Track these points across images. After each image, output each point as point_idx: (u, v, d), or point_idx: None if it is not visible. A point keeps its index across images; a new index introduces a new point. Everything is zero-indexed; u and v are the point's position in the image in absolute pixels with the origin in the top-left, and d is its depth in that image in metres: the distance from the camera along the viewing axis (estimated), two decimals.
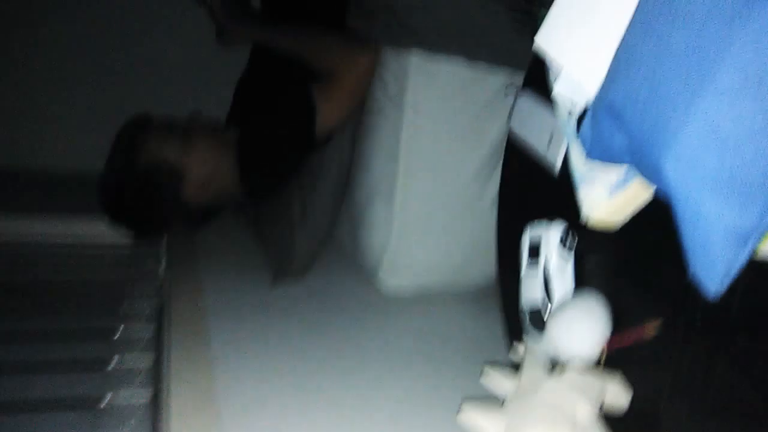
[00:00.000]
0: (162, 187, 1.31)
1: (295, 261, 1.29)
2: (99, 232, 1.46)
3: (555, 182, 0.82)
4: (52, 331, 1.11)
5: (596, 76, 0.54)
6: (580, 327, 0.70)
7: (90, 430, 0.91)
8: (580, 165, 0.68)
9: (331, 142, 1.29)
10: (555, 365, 0.72)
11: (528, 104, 0.86)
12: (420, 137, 1.16)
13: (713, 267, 0.45)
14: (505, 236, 1.00)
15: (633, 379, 0.69)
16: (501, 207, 1.03)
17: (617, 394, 0.68)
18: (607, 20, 0.55)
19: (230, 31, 1.46)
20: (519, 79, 1.01)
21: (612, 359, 0.71)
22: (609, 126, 0.51)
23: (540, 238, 0.82)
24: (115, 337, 1.07)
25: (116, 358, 1.01)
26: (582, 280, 0.80)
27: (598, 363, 0.71)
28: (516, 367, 0.75)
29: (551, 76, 0.73)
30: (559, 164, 0.81)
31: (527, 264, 0.84)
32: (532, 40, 0.63)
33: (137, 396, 0.95)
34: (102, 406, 0.94)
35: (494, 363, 0.94)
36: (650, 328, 0.65)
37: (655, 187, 0.50)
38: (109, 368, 0.99)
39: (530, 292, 0.83)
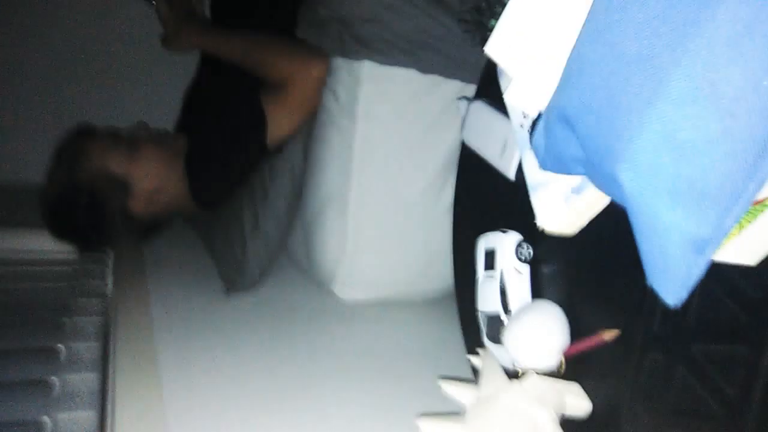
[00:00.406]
0: (107, 199, 1.29)
1: (247, 273, 1.27)
2: (41, 246, 1.41)
3: (509, 191, 0.82)
4: None
5: (548, 85, 0.54)
6: (539, 336, 0.70)
7: None
8: (534, 173, 0.68)
9: (282, 152, 1.27)
10: (515, 373, 0.72)
11: (481, 113, 0.86)
12: (373, 147, 1.15)
13: (671, 277, 0.44)
14: (461, 245, 1.00)
15: (592, 386, 0.69)
16: (456, 216, 1.02)
17: (577, 402, 0.68)
18: (559, 28, 0.55)
19: (178, 35, 1.42)
20: (472, 88, 1.01)
21: (571, 366, 0.71)
22: (562, 136, 0.51)
23: (495, 248, 0.82)
24: (58, 358, 1.02)
25: (59, 379, 0.96)
26: (539, 288, 0.80)
27: (557, 371, 0.71)
28: (475, 374, 0.75)
29: (503, 86, 0.73)
30: (513, 173, 0.81)
31: (483, 276, 0.83)
32: (483, 51, 0.63)
33: (82, 420, 0.91)
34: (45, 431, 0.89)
35: (453, 371, 0.94)
36: (609, 335, 0.65)
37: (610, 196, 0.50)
38: (52, 391, 0.95)
39: (487, 303, 0.82)
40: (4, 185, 1.67)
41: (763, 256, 0.54)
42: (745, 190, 0.42)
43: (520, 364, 0.71)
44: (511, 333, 0.72)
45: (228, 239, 1.33)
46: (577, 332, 0.70)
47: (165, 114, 1.56)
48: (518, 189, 0.77)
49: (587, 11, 0.50)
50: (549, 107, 0.53)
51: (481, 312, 0.84)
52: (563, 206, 0.64)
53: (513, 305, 0.79)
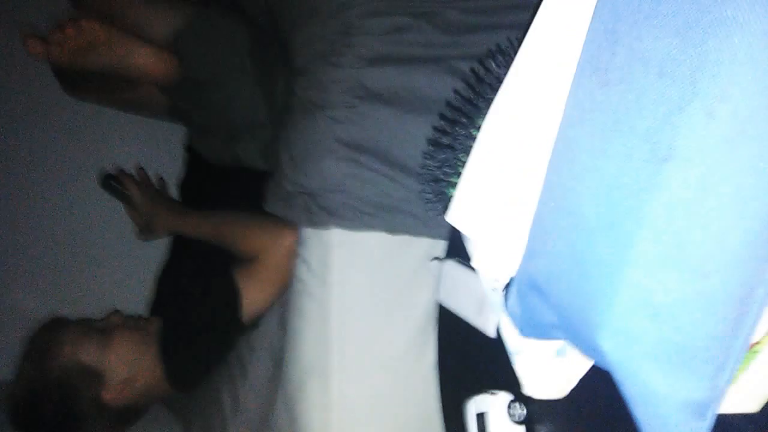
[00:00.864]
0: (80, 392, 1.24)
1: None
2: None
3: (494, 347, 0.79)
4: None
5: (514, 252, 0.53)
6: None
7: None
8: (513, 338, 0.66)
9: (258, 326, 1.25)
10: None
11: (454, 273, 0.85)
12: (349, 313, 1.13)
13: None
14: (450, 409, 0.96)
15: None
16: (441, 378, 0.99)
17: None
18: (518, 194, 0.55)
19: (152, 225, 1.46)
20: (443, 244, 1.02)
21: None
22: (536, 303, 0.50)
23: (485, 412, 0.78)
24: None
25: None
26: None
27: None
28: None
29: (469, 249, 0.73)
30: (492, 331, 0.79)
31: None
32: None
33: None
34: None
35: None
36: None
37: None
38: None
39: None
40: None
41: (763, 401, 0.52)
42: (733, 347, 0.40)
43: None
44: None
45: (208, 423, 1.27)
46: None
47: (138, 299, 1.54)
48: (502, 345, 0.75)
49: (543, 178, 0.50)
50: (519, 274, 0.52)
51: None
52: (548, 371, 0.62)
53: None
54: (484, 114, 0.59)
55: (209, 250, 1.32)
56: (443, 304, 0.89)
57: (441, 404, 0.98)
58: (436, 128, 0.73)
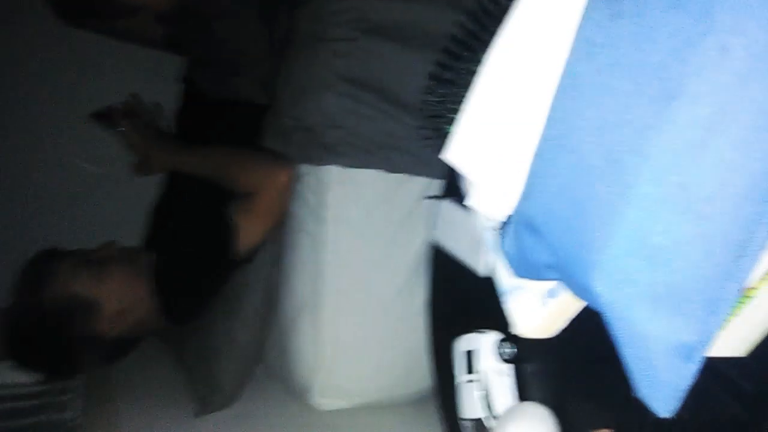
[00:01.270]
0: (74, 322, 1.24)
1: (221, 389, 1.22)
2: (3, 374, 1.34)
3: (485, 287, 0.79)
4: None
5: (512, 191, 0.52)
6: None
7: None
8: (505, 278, 0.66)
9: (253, 261, 1.25)
10: None
11: (450, 212, 0.85)
12: (344, 251, 1.14)
13: (660, 387, 0.42)
14: (439, 347, 0.97)
15: None
16: (431, 316, 1.00)
17: None
18: (518, 133, 0.54)
19: (148, 160, 1.44)
20: (440, 183, 1.01)
21: None
22: (531, 243, 0.49)
23: (473, 349, 0.78)
24: None
25: None
26: (525, 389, 0.77)
27: None
28: None
29: (463, 188, 0.72)
30: (485, 271, 0.79)
31: (464, 380, 0.80)
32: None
33: None
34: None
35: None
36: None
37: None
38: None
39: (470, 410, 0.78)
40: None
41: (752, 346, 0.52)
42: (727, 291, 0.40)
43: None
44: None
45: (201, 355, 1.28)
46: None
47: (133, 231, 1.54)
48: (493, 286, 0.75)
49: (546, 116, 0.49)
50: (516, 214, 0.51)
51: (465, 420, 0.79)
52: (539, 311, 0.62)
53: (498, 409, 0.75)
54: (488, 48, 0.57)
55: (205, 183, 1.31)
56: (438, 243, 0.88)
57: (430, 342, 0.99)
58: (438, 63, 0.71)
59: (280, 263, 1.21)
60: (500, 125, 0.55)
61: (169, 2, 1.32)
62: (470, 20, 0.67)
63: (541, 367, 0.75)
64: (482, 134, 0.56)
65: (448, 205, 0.86)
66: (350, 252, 1.14)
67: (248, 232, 1.22)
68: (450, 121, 0.65)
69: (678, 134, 0.38)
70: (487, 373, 0.76)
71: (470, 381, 0.78)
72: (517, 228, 0.51)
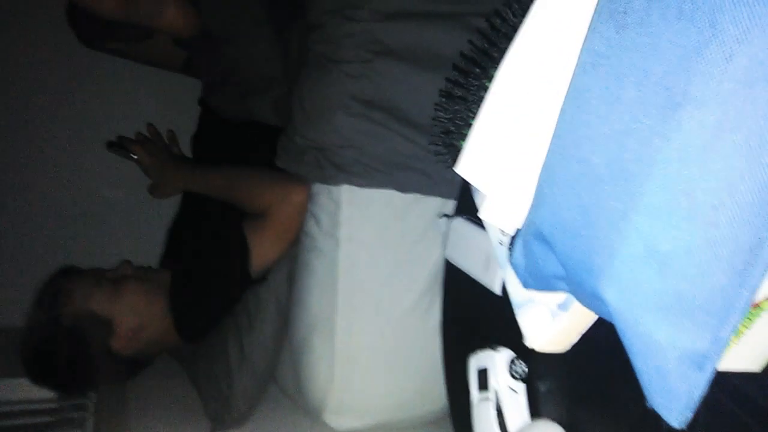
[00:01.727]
0: (89, 340, 1.25)
1: (235, 407, 1.22)
2: (18, 395, 1.35)
3: (498, 305, 0.79)
4: None
5: (522, 201, 0.53)
6: None
7: None
8: (517, 291, 0.66)
9: (266, 280, 1.26)
10: None
11: (462, 230, 0.85)
12: (357, 270, 1.14)
13: (673, 397, 0.42)
14: (453, 365, 0.96)
15: None
16: (445, 335, 0.99)
17: None
18: (528, 144, 0.55)
19: (164, 183, 1.47)
20: (452, 203, 1.01)
21: None
22: (541, 254, 0.49)
23: (486, 367, 0.78)
24: None
25: None
26: (537, 407, 0.76)
27: None
28: None
29: (477, 202, 0.72)
30: (499, 288, 0.79)
31: (478, 398, 0.79)
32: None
33: None
34: None
35: None
36: None
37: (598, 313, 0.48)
38: None
39: (484, 427, 0.77)
40: None
41: (766, 361, 0.51)
42: (738, 298, 0.40)
43: None
44: None
45: (213, 373, 1.29)
46: None
47: (149, 251, 1.55)
48: (506, 303, 0.75)
49: (554, 127, 0.50)
50: (525, 225, 0.52)
51: None
52: (551, 324, 0.62)
53: (511, 427, 0.75)
54: (498, 65, 0.58)
55: (219, 203, 1.32)
56: (450, 261, 0.89)
57: (444, 360, 0.98)
58: (449, 80, 0.72)
59: (293, 282, 1.22)
60: (511, 138, 0.56)
61: (194, 28, 1.35)
62: (480, 38, 0.68)
63: (554, 385, 0.74)
64: (494, 147, 0.57)
65: (460, 223, 0.86)
66: (363, 271, 1.14)
67: (262, 251, 1.23)
68: (461, 137, 0.66)
69: (684, 142, 0.39)
70: (500, 392, 0.76)
71: (484, 399, 0.78)
72: (526, 239, 0.51)
